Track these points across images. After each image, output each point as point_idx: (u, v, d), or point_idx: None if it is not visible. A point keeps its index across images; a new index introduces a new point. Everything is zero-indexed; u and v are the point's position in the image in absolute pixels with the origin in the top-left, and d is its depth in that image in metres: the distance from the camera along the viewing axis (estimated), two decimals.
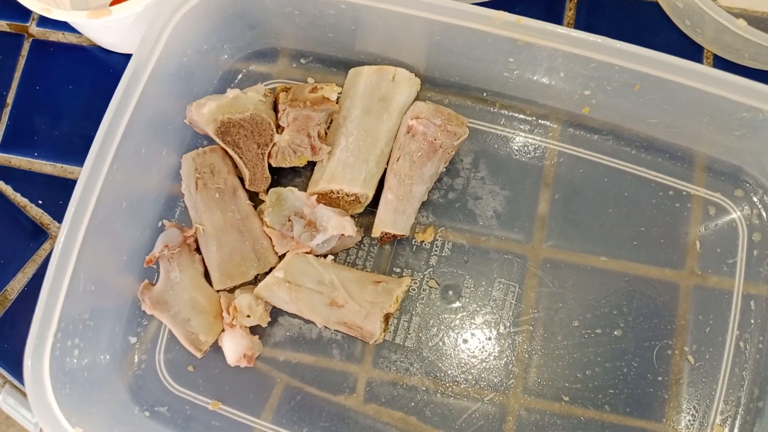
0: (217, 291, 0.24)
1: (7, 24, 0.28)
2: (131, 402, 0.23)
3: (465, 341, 0.24)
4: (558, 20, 0.26)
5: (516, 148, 0.25)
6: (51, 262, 0.20)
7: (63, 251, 0.21)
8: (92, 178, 0.21)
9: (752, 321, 0.23)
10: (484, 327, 0.24)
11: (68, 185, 0.26)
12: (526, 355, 0.24)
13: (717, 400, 0.23)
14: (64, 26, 0.28)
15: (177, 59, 0.23)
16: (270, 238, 0.24)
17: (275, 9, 0.23)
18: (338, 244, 0.24)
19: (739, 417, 0.23)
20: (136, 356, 0.24)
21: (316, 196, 0.24)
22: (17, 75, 0.27)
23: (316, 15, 0.23)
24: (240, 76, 0.26)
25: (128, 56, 0.23)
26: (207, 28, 0.24)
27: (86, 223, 0.21)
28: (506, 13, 0.20)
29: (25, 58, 0.28)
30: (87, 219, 0.21)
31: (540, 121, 0.25)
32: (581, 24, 0.26)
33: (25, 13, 0.28)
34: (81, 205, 0.21)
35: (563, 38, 0.20)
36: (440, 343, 0.24)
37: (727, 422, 0.23)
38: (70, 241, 0.21)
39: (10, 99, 0.27)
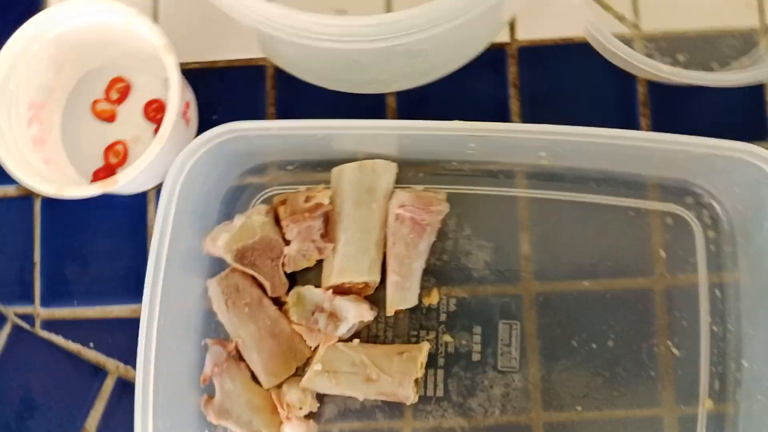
0: (267, 390, 0.28)
1: (14, 188, 0.31)
2: None
3: (484, 378, 0.28)
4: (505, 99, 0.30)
5: (491, 202, 0.29)
6: (136, 405, 0.24)
7: (143, 394, 0.25)
8: (151, 317, 0.25)
9: (720, 306, 0.28)
10: (497, 363, 0.28)
11: (112, 324, 0.29)
12: (539, 378, 0.27)
13: (702, 379, 0.27)
14: None
15: (192, 198, 0.26)
16: (300, 334, 0.28)
17: (271, 144, 0.27)
18: (360, 325, 0.28)
19: (722, 389, 0.27)
20: None
21: (331, 290, 0.27)
22: (36, 234, 0.30)
23: (300, 138, 0.26)
24: (238, 193, 0.29)
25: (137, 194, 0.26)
26: (215, 166, 0.27)
27: (153, 358, 0.25)
28: (461, 122, 0.24)
29: (39, 216, 0.31)
30: (153, 355, 0.25)
31: (507, 177, 0.28)
32: (526, 90, 0.30)
33: None
34: (147, 343, 0.25)
35: (511, 130, 0.24)
36: (464, 386, 0.28)
37: (713, 395, 0.27)
38: (146, 380, 0.25)
39: (36, 258, 0.30)
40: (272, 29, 0.22)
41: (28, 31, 0.27)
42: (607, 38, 0.26)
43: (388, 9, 0.30)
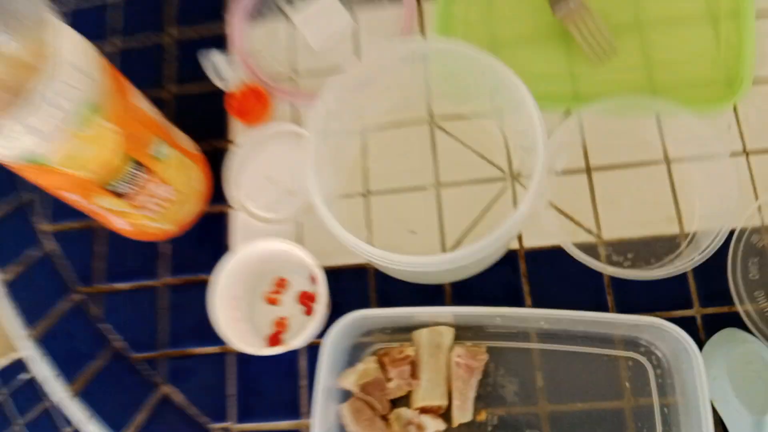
0: None
1: (218, 347, 0.50)
2: None
3: None
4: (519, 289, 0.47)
5: (515, 353, 0.45)
6: None
7: None
8: (316, 427, 0.42)
9: (668, 420, 0.43)
10: None
11: None
12: None
13: None
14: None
15: (334, 353, 0.44)
16: None
17: (378, 318, 0.45)
18: None
19: None
20: None
21: (418, 410, 0.44)
22: (232, 374, 0.49)
23: (395, 317, 0.44)
24: (357, 349, 0.47)
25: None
26: (345, 334, 0.45)
27: None
28: (490, 308, 0.41)
29: (235, 365, 0.49)
30: None
31: (524, 337, 0.45)
32: (534, 280, 0.47)
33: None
34: None
35: (521, 312, 0.41)
36: None
37: None
38: None
39: (231, 391, 0.48)
40: (373, 260, 0.41)
41: (237, 256, 0.47)
42: (572, 251, 0.44)
43: (441, 228, 0.48)
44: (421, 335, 0.45)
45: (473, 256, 0.39)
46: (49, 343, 0.51)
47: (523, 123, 0.40)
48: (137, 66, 0.55)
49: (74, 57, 0.37)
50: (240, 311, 0.48)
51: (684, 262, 0.43)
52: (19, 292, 0.53)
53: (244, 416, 0.47)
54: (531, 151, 0.38)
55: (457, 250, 0.39)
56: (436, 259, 0.39)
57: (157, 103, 0.49)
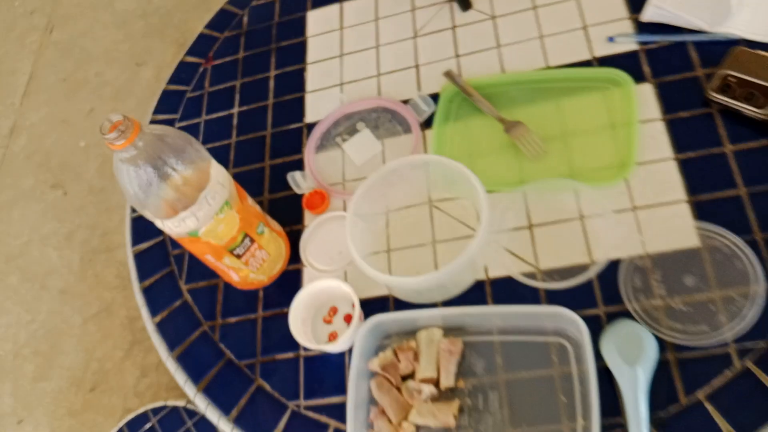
0: (395, 423, 0.66)
1: (293, 353, 0.75)
2: None
3: (479, 415, 0.65)
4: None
5: (481, 342, 0.68)
6: (348, 427, 0.64)
7: (353, 425, 0.65)
8: (352, 401, 0.66)
9: (581, 378, 0.64)
10: (488, 409, 0.65)
11: (338, 406, 0.70)
12: (505, 403, 0.64)
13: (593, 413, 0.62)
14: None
15: (364, 350, 0.69)
16: (407, 400, 0.67)
17: (391, 323, 0.70)
18: (431, 395, 0.67)
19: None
20: None
21: (420, 381, 0.67)
22: (301, 373, 0.74)
23: (404, 321, 0.69)
24: (381, 348, 0.71)
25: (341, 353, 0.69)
26: (370, 334, 0.70)
27: (353, 417, 0.65)
28: (462, 307, 0.66)
29: (303, 363, 0.74)
30: (353, 416, 0.65)
31: (486, 330, 0.69)
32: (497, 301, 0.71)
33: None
34: (351, 413, 0.65)
35: (481, 311, 0.65)
36: (473, 418, 0.65)
37: None
38: (351, 424, 0.65)
39: (301, 383, 0.73)
40: (387, 284, 0.67)
41: (306, 290, 0.74)
42: (519, 278, 0.68)
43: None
44: (421, 334, 0.70)
45: (445, 275, 0.64)
46: (183, 360, 0.78)
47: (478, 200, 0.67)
48: (249, 182, 0.86)
49: (218, 176, 0.67)
50: (307, 328, 0.74)
51: (589, 274, 0.66)
52: (165, 329, 0.81)
53: (308, 396, 0.72)
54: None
55: (433, 272, 0.65)
56: (423, 278, 0.65)
57: (260, 203, 0.79)
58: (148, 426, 1.17)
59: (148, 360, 1.73)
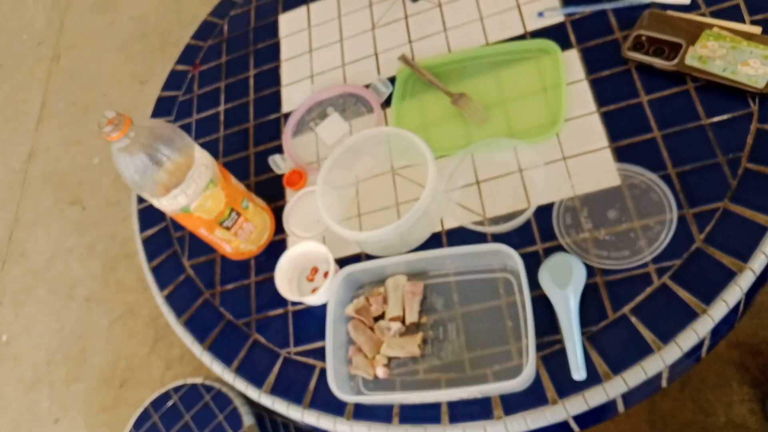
0: (370, 358, 0.77)
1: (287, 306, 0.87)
2: None
3: (440, 345, 0.76)
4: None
5: (440, 283, 0.79)
6: (327, 363, 0.76)
7: (332, 362, 0.76)
8: (330, 341, 0.77)
9: (524, 306, 0.74)
10: (446, 338, 0.76)
11: (318, 349, 0.82)
12: (458, 346, 0.75)
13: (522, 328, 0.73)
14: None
15: (340, 296, 0.80)
16: (379, 336, 0.78)
17: (362, 273, 0.81)
18: (399, 330, 0.78)
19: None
20: None
21: (389, 320, 0.78)
22: (290, 322, 0.85)
23: (375, 269, 0.80)
24: (354, 294, 0.83)
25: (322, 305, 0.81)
26: (344, 282, 0.81)
27: (332, 355, 0.76)
28: (419, 252, 0.77)
29: (292, 315, 0.85)
30: (332, 354, 0.76)
31: (443, 273, 0.80)
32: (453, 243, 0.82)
33: None
34: (330, 351, 0.77)
35: (435, 254, 0.76)
36: (435, 347, 0.76)
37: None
38: (330, 359, 0.76)
39: (290, 332, 0.84)
40: (356, 240, 0.78)
41: (289, 252, 0.85)
42: (469, 226, 0.79)
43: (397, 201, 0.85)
44: (389, 281, 0.81)
45: (405, 224, 0.76)
46: (191, 323, 0.90)
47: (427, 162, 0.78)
48: (237, 168, 0.98)
49: (202, 158, 0.79)
50: (293, 286, 0.86)
51: (523, 217, 0.77)
52: (173, 300, 0.93)
53: (297, 343, 0.83)
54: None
55: (393, 223, 0.76)
56: (384, 229, 0.76)
57: (248, 186, 0.91)
58: (170, 403, 1.29)
59: (171, 353, 1.86)
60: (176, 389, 1.31)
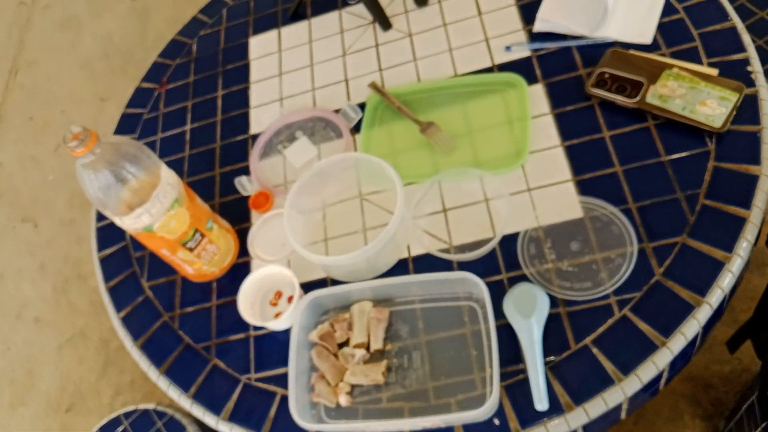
0: (333, 385, 0.76)
1: (243, 335, 0.85)
2: None
3: (404, 373, 0.75)
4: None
5: (405, 310, 0.79)
6: (290, 395, 0.74)
7: (294, 394, 0.74)
8: (293, 369, 0.76)
9: (488, 335, 0.75)
10: (409, 367, 0.75)
11: (282, 376, 0.80)
12: (423, 374, 0.75)
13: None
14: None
15: (304, 324, 0.79)
16: (343, 364, 0.77)
17: (328, 298, 0.80)
18: (362, 357, 0.77)
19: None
20: None
21: (353, 347, 0.77)
22: (252, 348, 0.83)
23: (339, 295, 0.80)
24: (318, 320, 0.82)
25: (285, 330, 0.79)
26: (309, 308, 0.80)
27: (295, 382, 0.75)
28: (385, 279, 0.77)
29: (253, 341, 0.84)
30: (295, 381, 0.75)
31: (408, 300, 0.79)
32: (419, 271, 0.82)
33: None
34: (293, 378, 0.75)
35: (401, 281, 0.76)
36: (399, 375, 0.75)
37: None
38: (292, 389, 0.75)
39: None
40: (322, 264, 0.77)
41: (252, 276, 0.84)
42: (436, 253, 0.79)
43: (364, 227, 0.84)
44: (354, 307, 0.80)
45: (372, 250, 0.75)
46: (148, 346, 0.88)
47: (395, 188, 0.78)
48: (201, 188, 0.96)
49: (168, 178, 0.78)
50: (255, 311, 0.84)
51: (487, 247, 0.78)
52: (130, 322, 0.91)
53: (258, 369, 0.81)
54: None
55: (360, 249, 0.75)
56: (352, 254, 0.76)
57: (212, 206, 0.89)
58: (120, 429, 1.24)
59: (122, 379, 1.80)
60: (127, 414, 1.27)
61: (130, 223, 0.75)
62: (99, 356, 1.86)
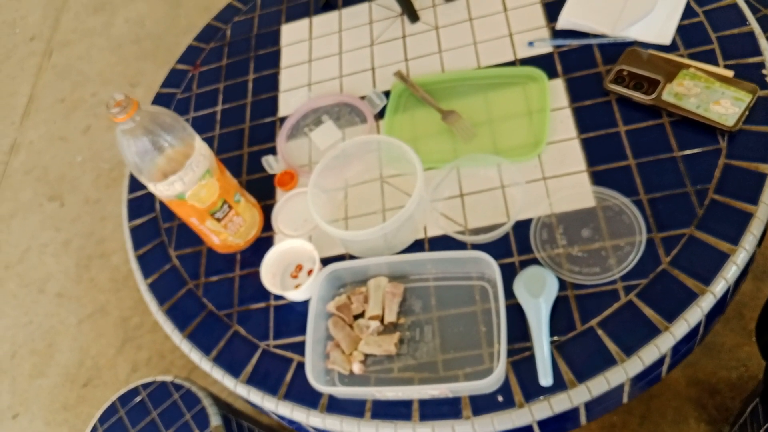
0: (347, 354, 0.80)
1: (265, 303, 0.89)
2: None
3: (416, 345, 0.79)
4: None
5: (420, 287, 0.82)
6: (306, 361, 0.78)
7: (310, 360, 0.78)
8: (311, 337, 0.80)
9: (498, 313, 0.78)
10: (421, 339, 0.79)
11: (299, 344, 0.84)
12: (433, 347, 0.78)
13: (495, 344, 0.77)
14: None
15: (323, 294, 0.83)
16: (358, 334, 0.81)
17: (346, 271, 0.84)
18: (377, 329, 0.80)
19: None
20: None
21: (368, 318, 0.81)
22: (271, 315, 0.87)
23: (356, 269, 0.84)
24: (337, 292, 0.86)
25: (304, 301, 0.83)
26: (327, 280, 0.84)
27: (311, 349, 0.79)
28: (401, 255, 0.80)
29: (273, 308, 0.88)
30: (311, 349, 0.79)
31: (422, 277, 0.83)
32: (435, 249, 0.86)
33: None
34: (309, 346, 0.79)
35: (417, 257, 0.80)
36: (410, 347, 0.79)
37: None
38: (308, 355, 0.79)
39: (271, 325, 0.87)
40: (342, 238, 0.81)
41: (275, 248, 0.88)
42: (453, 235, 0.83)
43: (383, 207, 0.88)
44: (370, 281, 0.84)
45: (389, 227, 0.79)
46: (172, 312, 0.92)
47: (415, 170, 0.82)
48: (229, 166, 1.00)
49: (201, 149, 0.82)
50: (276, 281, 0.88)
51: (501, 230, 0.81)
52: (156, 288, 0.95)
53: (276, 337, 0.85)
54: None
55: (379, 225, 0.79)
56: (370, 230, 0.80)
57: (240, 183, 0.94)
58: (138, 399, 1.29)
59: (139, 356, 1.85)
60: (145, 386, 1.31)
61: (163, 189, 0.79)
62: (118, 333, 1.92)
